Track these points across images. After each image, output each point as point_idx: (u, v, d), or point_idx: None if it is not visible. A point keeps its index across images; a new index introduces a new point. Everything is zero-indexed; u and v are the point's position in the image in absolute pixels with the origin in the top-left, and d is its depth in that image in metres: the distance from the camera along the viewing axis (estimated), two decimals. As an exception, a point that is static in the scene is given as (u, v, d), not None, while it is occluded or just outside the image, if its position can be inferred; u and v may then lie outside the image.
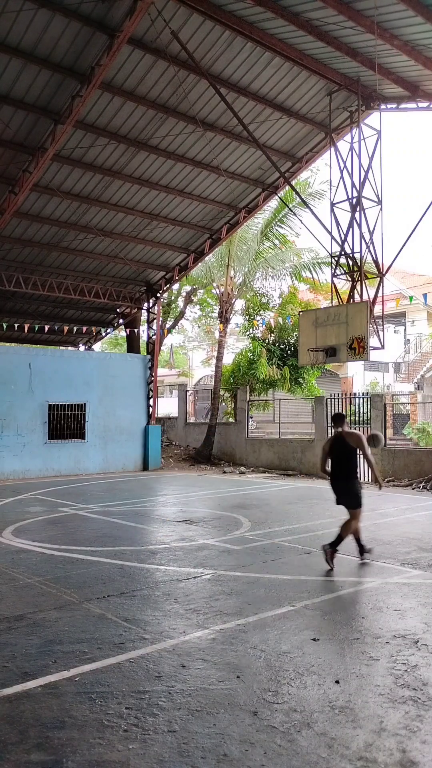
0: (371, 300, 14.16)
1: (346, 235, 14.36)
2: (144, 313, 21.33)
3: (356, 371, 31.84)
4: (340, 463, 7.25)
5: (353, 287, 14.41)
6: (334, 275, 14.79)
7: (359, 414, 17.66)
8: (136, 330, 22.62)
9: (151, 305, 20.82)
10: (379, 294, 14.35)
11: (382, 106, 14.48)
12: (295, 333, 22.05)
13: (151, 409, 20.39)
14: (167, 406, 31.51)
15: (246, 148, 15.44)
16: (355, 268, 14.24)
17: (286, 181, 15.70)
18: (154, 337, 20.76)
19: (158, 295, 20.77)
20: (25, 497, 13.30)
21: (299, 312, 16.74)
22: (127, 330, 22.80)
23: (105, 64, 11.32)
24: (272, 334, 23.99)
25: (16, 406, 17.43)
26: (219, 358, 21.92)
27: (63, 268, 18.67)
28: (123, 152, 14.65)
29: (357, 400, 18.30)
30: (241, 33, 11.89)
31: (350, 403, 18.56)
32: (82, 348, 24.77)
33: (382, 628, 4.99)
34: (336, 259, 14.57)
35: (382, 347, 14.07)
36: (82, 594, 5.94)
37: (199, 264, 20.07)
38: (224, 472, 19.06)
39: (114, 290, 20.08)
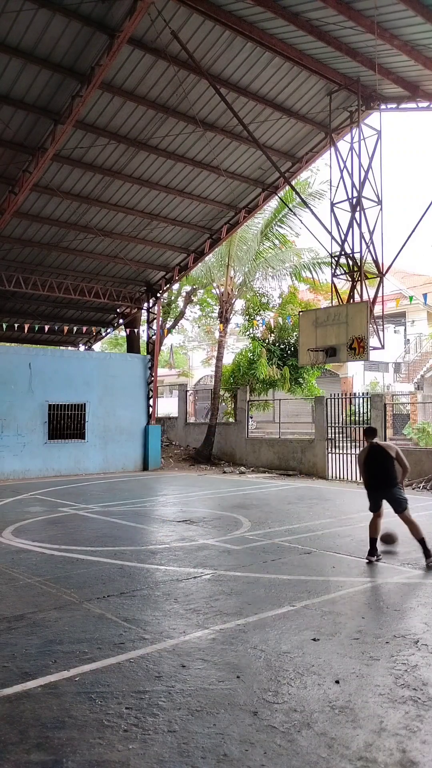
0: (371, 300, 14.16)
1: (346, 235, 14.36)
2: (144, 313, 21.33)
3: (356, 371, 31.84)
4: (385, 472, 7.37)
5: (353, 287, 14.41)
6: (334, 275, 14.79)
7: (359, 414, 17.67)
8: (136, 330, 22.63)
9: (151, 305, 20.82)
10: (379, 294, 14.35)
11: (382, 106, 14.48)
12: (295, 333, 22.05)
13: (151, 409, 20.39)
14: (167, 406, 31.51)
15: (246, 148, 15.44)
16: (355, 268, 14.24)
17: (286, 181, 15.70)
18: (154, 337, 20.76)
19: (158, 295, 20.77)
20: (25, 497, 13.30)
21: (299, 312, 16.75)
22: (127, 330, 22.80)
23: (105, 64, 11.32)
24: (272, 334, 23.99)
25: (16, 406, 17.43)
26: (219, 358, 21.92)
27: (63, 268, 18.67)
28: (123, 152, 14.65)
29: (357, 400, 18.30)
30: (241, 33, 11.89)
31: (350, 403, 18.56)
32: (82, 348, 24.77)
33: (382, 628, 4.99)
34: (336, 259, 14.57)
35: (382, 347, 14.07)
36: (82, 594, 5.94)
37: (199, 264, 20.07)
38: (224, 472, 19.06)
39: (114, 290, 20.08)
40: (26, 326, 20.71)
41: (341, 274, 14.65)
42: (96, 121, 13.56)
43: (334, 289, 14.84)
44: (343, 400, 18.61)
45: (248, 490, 14.51)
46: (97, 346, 27.04)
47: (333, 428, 17.93)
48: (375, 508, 7.45)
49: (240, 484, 15.84)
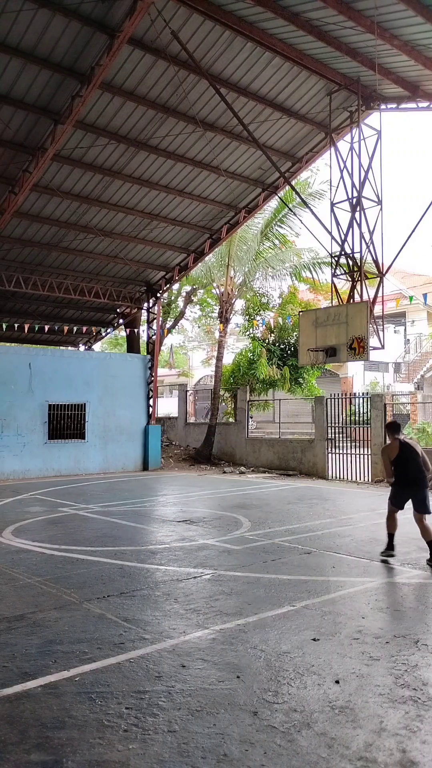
0: (371, 300, 14.16)
1: (346, 235, 14.36)
2: (144, 313, 21.33)
3: (356, 371, 31.84)
4: (419, 471, 7.27)
5: (353, 287, 14.41)
6: (334, 275, 14.79)
7: (359, 414, 17.67)
8: (136, 330, 22.63)
9: (151, 305, 20.82)
10: (379, 294, 14.35)
11: (382, 106, 14.48)
12: (295, 333, 22.06)
13: (151, 409, 20.39)
14: (167, 406, 31.50)
15: (246, 148, 15.44)
16: (355, 268, 14.24)
17: (286, 181, 15.70)
18: (154, 337, 20.76)
19: (158, 295, 20.77)
20: (25, 497, 13.30)
21: (299, 312, 16.75)
22: (127, 330, 22.80)
23: (105, 64, 11.31)
24: (272, 334, 23.99)
25: (16, 406, 17.43)
26: (219, 358, 21.92)
27: (63, 268, 18.67)
28: (123, 152, 14.65)
29: (357, 400, 18.31)
30: (241, 33, 11.89)
31: (350, 403, 18.57)
32: (82, 348, 24.77)
33: (382, 628, 4.99)
34: (336, 259, 14.57)
35: (382, 347, 14.07)
36: (82, 594, 5.94)
37: (199, 264, 20.07)
38: (224, 472, 19.05)
39: (114, 290, 20.08)
40: (26, 326, 20.71)
41: (341, 274, 14.65)
42: (96, 121, 13.56)
43: (334, 289, 14.84)
44: (343, 400, 18.62)
45: (248, 490, 14.51)
46: (97, 346, 27.04)
47: (333, 428, 17.94)
48: (401, 506, 7.38)
49: (240, 484, 15.84)
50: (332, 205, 14.62)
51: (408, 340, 35.22)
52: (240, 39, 12.19)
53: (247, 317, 24.83)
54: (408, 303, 24.37)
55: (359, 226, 14.12)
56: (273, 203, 19.96)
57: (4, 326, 20.79)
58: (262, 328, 24.25)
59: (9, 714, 3.58)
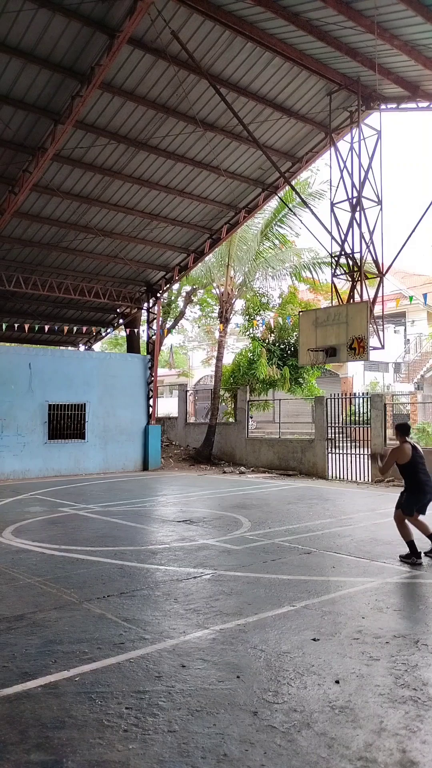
0: (371, 300, 14.16)
1: (346, 235, 14.36)
2: (144, 313, 21.33)
3: (356, 371, 31.84)
4: (427, 477, 7.28)
5: (353, 287, 14.41)
6: (334, 275, 14.79)
7: (359, 414, 17.67)
8: (136, 330, 22.63)
9: (151, 305, 20.82)
10: (379, 294, 14.35)
11: (382, 106, 14.49)
12: (295, 333, 22.06)
13: (151, 409, 20.39)
14: (167, 406, 31.50)
15: (246, 148, 15.44)
16: (355, 268, 14.24)
17: (286, 181, 15.70)
18: (154, 337, 20.76)
19: (158, 295, 20.77)
20: (25, 497, 13.30)
21: (299, 312, 16.75)
22: (127, 330, 22.80)
23: (105, 64, 11.31)
24: (272, 334, 23.99)
25: (16, 406, 17.43)
26: (219, 358, 21.92)
27: (63, 268, 18.67)
28: (123, 152, 14.65)
29: (357, 400, 18.31)
30: (241, 33, 11.89)
31: (350, 403, 18.57)
32: (82, 348, 24.77)
33: (382, 628, 4.98)
34: (336, 259, 14.57)
35: (382, 347, 14.08)
36: (82, 594, 5.94)
37: (199, 264, 20.07)
38: (224, 472, 19.05)
39: (114, 290, 20.08)
40: (26, 326, 20.72)
41: (341, 274, 14.65)
42: (96, 121, 13.56)
43: (334, 289, 14.84)
44: (343, 400, 18.62)
45: (248, 490, 14.51)
46: (97, 346, 27.04)
47: (333, 428, 17.94)
48: (412, 513, 7.25)
49: (240, 484, 15.84)
50: (332, 205, 14.62)
51: (408, 340, 35.22)
52: (240, 39, 12.19)
53: (247, 317, 24.82)
54: (408, 303, 24.37)
55: (359, 226, 14.13)
56: (273, 203, 19.96)
57: (4, 326, 20.79)
58: (262, 328, 24.25)
59: (9, 714, 3.58)
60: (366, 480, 16.30)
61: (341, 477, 16.94)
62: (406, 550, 7.26)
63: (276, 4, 10.95)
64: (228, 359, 24.79)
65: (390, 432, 15.95)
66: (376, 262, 14.30)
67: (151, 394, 20.41)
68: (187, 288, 27.37)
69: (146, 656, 4.42)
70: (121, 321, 23.01)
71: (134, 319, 22.35)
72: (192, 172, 15.95)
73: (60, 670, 4.17)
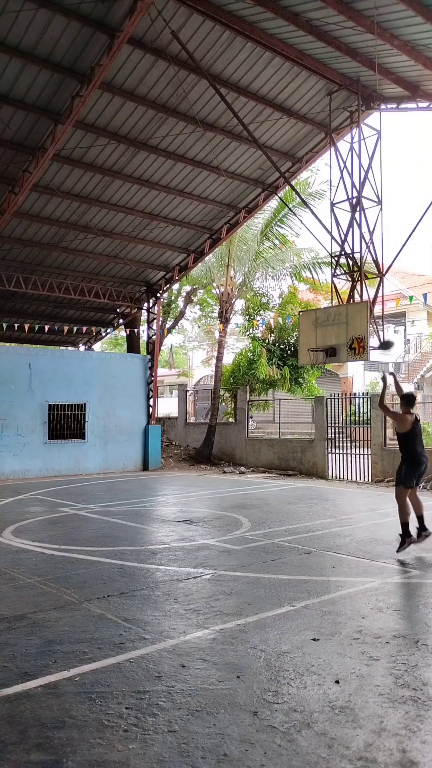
0: (371, 300, 14.16)
1: (346, 235, 14.36)
2: (144, 313, 21.33)
3: (356, 371, 31.83)
4: (422, 448, 7.53)
5: (353, 287, 14.41)
6: (334, 275, 14.79)
7: (359, 414, 17.67)
8: (136, 330, 22.63)
9: (151, 305, 20.82)
10: (379, 294, 14.35)
11: (382, 106, 14.49)
12: (295, 333, 22.06)
13: (151, 409, 20.39)
14: (167, 406, 31.49)
15: (246, 148, 15.44)
16: (355, 268, 14.24)
17: (286, 181, 15.70)
18: (154, 337, 20.76)
19: (158, 295, 20.77)
20: (25, 497, 13.30)
21: (299, 312, 16.75)
22: (127, 330, 22.80)
23: (105, 64, 11.31)
24: (272, 334, 23.99)
25: (16, 406, 17.43)
26: (219, 358, 21.92)
27: (63, 268, 18.67)
28: (123, 152, 14.65)
29: (357, 400, 18.30)
30: (241, 33, 11.89)
31: (350, 403, 18.57)
32: (82, 348, 24.77)
33: (382, 628, 4.98)
34: (336, 259, 14.57)
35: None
36: (82, 594, 5.94)
37: (199, 264, 20.07)
38: (224, 472, 19.05)
39: (114, 290, 20.08)
40: (26, 326, 20.71)
41: (341, 274, 14.64)
42: (96, 121, 13.56)
43: (334, 289, 14.84)
44: (343, 400, 18.62)
45: (248, 490, 14.51)
46: (97, 346, 27.04)
47: (333, 428, 17.94)
48: (412, 484, 7.55)
49: (240, 484, 15.84)
50: (332, 205, 14.62)
51: (408, 340, 35.21)
52: (240, 39, 12.19)
53: (247, 317, 24.82)
54: (408, 303, 24.37)
55: (359, 226, 14.13)
56: (273, 203, 19.96)
57: (4, 326, 20.79)
58: (262, 328, 24.24)
59: (9, 714, 3.58)
60: (366, 480, 16.30)
61: (341, 477, 16.94)
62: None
63: (276, 4, 10.95)
64: (228, 359, 24.79)
65: (390, 432, 15.95)
66: (376, 262, 14.30)
67: (151, 394, 20.41)
68: (187, 288, 27.37)
69: (146, 656, 4.42)
70: (121, 321, 23.01)
71: (134, 319, 22.35)
72: (192, 172, 15.95)
73: (60, 670, 4.17)
